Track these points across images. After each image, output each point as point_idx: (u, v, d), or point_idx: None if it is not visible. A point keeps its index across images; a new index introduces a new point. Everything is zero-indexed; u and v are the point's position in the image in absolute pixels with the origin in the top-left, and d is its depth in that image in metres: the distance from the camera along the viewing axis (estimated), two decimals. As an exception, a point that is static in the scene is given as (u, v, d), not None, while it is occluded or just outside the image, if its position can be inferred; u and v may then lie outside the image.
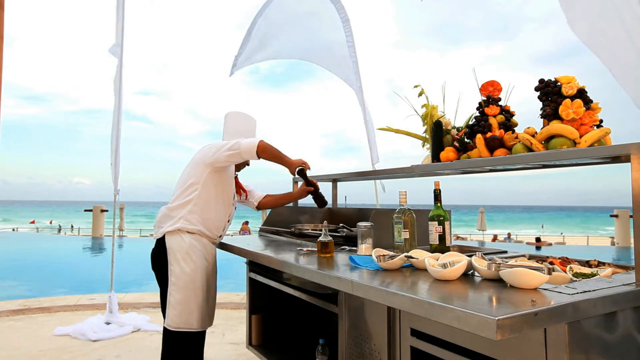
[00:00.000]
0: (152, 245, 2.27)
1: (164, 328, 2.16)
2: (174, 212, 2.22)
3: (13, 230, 25.21)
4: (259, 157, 2.20)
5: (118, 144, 4.23)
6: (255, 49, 4.52)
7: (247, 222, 19.76)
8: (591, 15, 1.88)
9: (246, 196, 2.67)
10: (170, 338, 2.14)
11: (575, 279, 1.37)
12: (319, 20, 4.46)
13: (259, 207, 2.72)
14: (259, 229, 3.15)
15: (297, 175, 2.33)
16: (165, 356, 2.17)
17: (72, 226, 26.77)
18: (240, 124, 2.51)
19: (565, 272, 1.45)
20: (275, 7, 4.43)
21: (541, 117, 1.60)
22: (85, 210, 20.64)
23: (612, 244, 21.02)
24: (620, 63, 1.83)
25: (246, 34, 4.45)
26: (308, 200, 2.56)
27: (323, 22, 4.44)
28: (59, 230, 25.26)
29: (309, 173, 2.36)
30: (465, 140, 1.89)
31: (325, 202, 2.45)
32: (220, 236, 2.39)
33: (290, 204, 2.99)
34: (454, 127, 2.03)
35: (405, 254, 1.57)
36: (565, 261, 1.64)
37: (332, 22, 4.38)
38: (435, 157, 1.98)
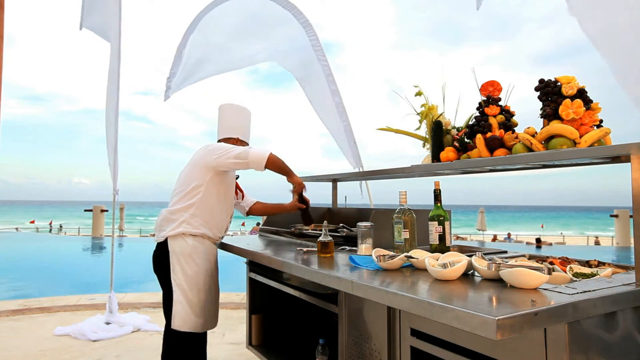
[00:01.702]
0: (152, 245, 2.26)
1: (166, 330, 2.15)
2: (176, 215, 2.20)
3: (16, 229, 25.28)
4: (265, 169, 2.21)
5: (116, 143, 4.18)
6: (194, 67, 4.16)
7: (258, 224, 19.90)
8: (602, 14, 1.87)
9: (242, 196, 2.66)
10: (173, 340, 2.13)
11: (575, 279, 1.37)
12: (276, 27, 4.22)
13: (249, 213, 2.70)
14: (258, 228, 3.15)
15: (292, 191, 2.43)
16: (166, 358, 2.16)
17: (60, 226, 26.66)
18: (235, 117, 2.49)
19: (565, 272, 1.45)
20: (213, 21, 4.13)
21: (541, 117, 1.60)
22: (85, 210, 20.66)
23: (595, 243, 21.67)
24: (624, 63, 1.83)
25: (176, 53, 4.05)
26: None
27: (283, 29, 4.23)
28: (50, 230, 25.24)
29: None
30: (465, 140, 1.89)
31: (312, 221, 2.53)
32: (222, 237, 2.39)
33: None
34: (454, 127, 2.03)
35: (405, 254, 1.57)
36: (565, 261, 1.64)
37: (293, 27, 4.20)
38: (435, 157, 1.98)
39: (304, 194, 2.47)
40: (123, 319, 4.09)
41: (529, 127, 1.66)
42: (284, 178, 2.39)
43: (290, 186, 2.47)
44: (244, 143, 2.47)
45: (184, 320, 2.10)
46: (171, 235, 2.16)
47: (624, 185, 1.30)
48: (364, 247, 1.83)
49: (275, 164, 2.22)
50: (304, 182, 2.46)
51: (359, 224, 1.86)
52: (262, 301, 2.83)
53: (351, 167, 4.46)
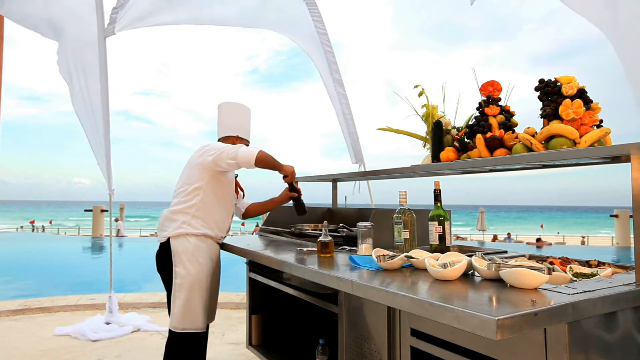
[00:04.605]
0: (153, 245, 2.27)
1: (170, 330, 2.15)
2: (177, 215, 2.20)
3: (17, 229, 25.38)
4: (254, 167, 2.21)
5: (109, 143, 4.09)
6: (160, 3, 3.36)
7: (257, 224, 20.11)
8: (615, 9, 1.87)
9: (243, 195, 2.67)
10: (175, 340, 2.13)
11: (575, 279, 1.37)
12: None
13: (245, 216, 2.69)
14: (259, 228, 3.15)
15: (285, 181, 2.39)
16: (168, 358, 2.16)
17: (43, 226, 26.81)
18: (234, 115, 2.48)
19: (565, 272, 1.45)
20: None
21: (541, 117, 1.60)
22: (85, 210, 20.67)
23: (582, 242, 21.99)
24: (633, 60, 1.83)
25: None
26: (308, 201, 2.56)
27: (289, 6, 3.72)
28: (32, 229, 25.37)
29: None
30: (465, 140, 1.89)
31: (305, 211, 2.48)
32: (224, 236, 2.39)
33: (290, 203, 2.98)
34: (454, 127, 2.03)
35: (405, 254, 1.57)
36: (565, 261, 1.64)
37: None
38: (435, 157, 1.98)
39: (295, 183, 2.44)
40: (123, 319, 4.09)
41: (529, 127, 1.66)
42: (280, 178, 2.39)
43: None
44: (243, 141, 2.47)
45: (182, 321, 2.10)
46: (173, 235, 2.17)
47: (624, 185, 1.30)
48: (364, 247, 1.83)
49: (264, 161, 2.21)
50: (296, 176, 2.43)
51: (359, 224, 1.86)
52: (262, 301, 2.83)
53: (351, 166, 4.43)
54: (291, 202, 2.52)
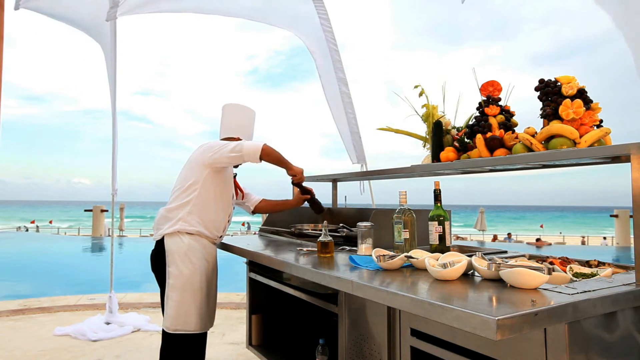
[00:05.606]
0: (152, 245, 2.26)
1: (163, 330, 2.15)
2: (172, 213, 2.20)
3: (16, 229, 25.45)
4: (260, 161, 2.19)
5: (115, 143, 4.17)
6: None
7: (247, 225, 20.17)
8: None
9: (242, 196, 2.65)
10: (169, 340, 2.12)
11: (575, 279, 1.37)
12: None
13: (255, 212, 2.68)
14: (259, 229, 3.15)
15: (292, 183, 2.37)
16: (163, 357, 2.15)
17: (38, 226, 27.10)
18: (239, 117, 2.47)
19: (565, 272, 1.45)
20: None
21: (541, 117, 1.60)
22: (85, 210, 20.69)
23: (582, 242, 22.02)
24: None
25: None
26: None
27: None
28: (26, 230, 25.57)
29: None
30: (465, 140, 1.89)
31: (323, 209, 2.47)
32: (221, 236, 2.38)
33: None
34: (454, 127, 2.03)
35: (405, 254, 1.57)
36: (565, 261, 1.64)
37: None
38: (435, 157, 1.98)
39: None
40: (123, 319, 4.09)
41: (529, 127, 1.66)
42: (284, 175, 2.38)
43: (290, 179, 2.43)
44: None
45: (174, 322, 2.08)
46: (168, 233, 2.16)
47: (624, 185, 1.30)
48: (364, 247, 1.83)
49: (270, 155, 2.20)
50: (304, 175, 2.40)
51: (359, 224, 1.86)
52: (262, 301, 2.83)
53: (350, 166, 4.42)
54: (306, 203, 2.51)
